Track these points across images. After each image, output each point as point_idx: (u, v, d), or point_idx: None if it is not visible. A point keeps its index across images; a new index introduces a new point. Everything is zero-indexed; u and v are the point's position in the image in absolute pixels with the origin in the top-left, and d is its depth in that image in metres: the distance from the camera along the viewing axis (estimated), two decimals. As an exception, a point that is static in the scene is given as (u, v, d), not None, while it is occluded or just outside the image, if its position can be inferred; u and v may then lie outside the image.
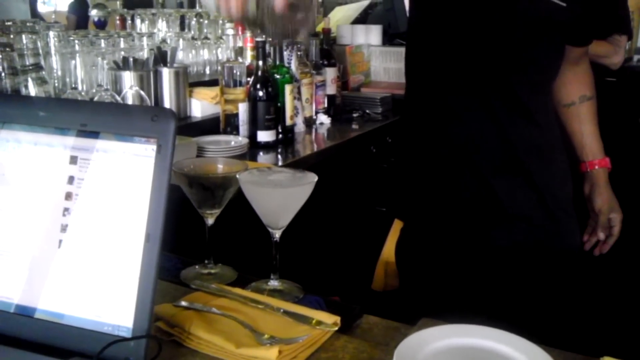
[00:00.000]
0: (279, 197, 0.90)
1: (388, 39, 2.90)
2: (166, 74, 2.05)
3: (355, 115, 2.48)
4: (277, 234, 0.92)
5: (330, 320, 0.82)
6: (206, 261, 0.99)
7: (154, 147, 0.71)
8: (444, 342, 0.71)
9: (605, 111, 1.53)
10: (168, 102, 2.05)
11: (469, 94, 1.23)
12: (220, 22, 2.51)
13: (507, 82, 1.23)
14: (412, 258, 1.42)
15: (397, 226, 1.49)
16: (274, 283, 0.94)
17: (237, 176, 0.90)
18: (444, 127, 1.27)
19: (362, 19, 3.05)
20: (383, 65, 2.84)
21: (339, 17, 3.10)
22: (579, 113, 1.44)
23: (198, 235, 0.98)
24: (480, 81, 1.22)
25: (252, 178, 0.92)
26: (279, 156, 2.02)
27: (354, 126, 2.41)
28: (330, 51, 2.51)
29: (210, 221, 0.97)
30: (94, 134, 0.75)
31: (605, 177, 1.47)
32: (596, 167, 1.45)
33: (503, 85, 1.23)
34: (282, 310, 0.84)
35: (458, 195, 1.29)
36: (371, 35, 2.85)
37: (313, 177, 0.89)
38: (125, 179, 0.72)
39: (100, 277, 0.72)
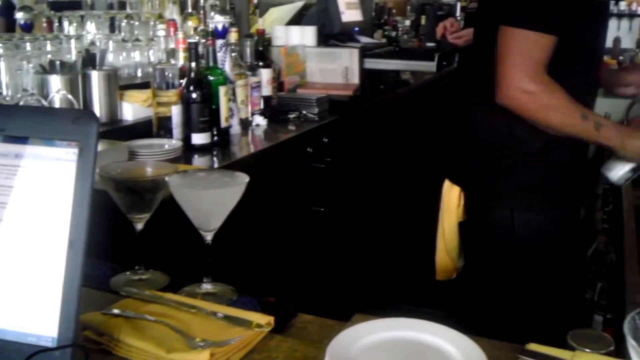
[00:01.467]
0: (210, 199, 0.89)
1: (323, 40, 2.91)
2: (95, 77, 2.00)
3: (291, 116, 2.48)
4: (208, 237, 0.91)
5: (263, 320, 0.82)
6: (137, 267, 0.97)
7: (76, 150, 0.69)
8: (374, 337, 0.72)
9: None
10: (98, 105, 2.00)
11: None
12: (152, 23, 2.46)
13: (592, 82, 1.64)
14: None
15: (451, 207, 1.77)
16: (207, 286, 0.93)
17: (167, 179, 0.89)
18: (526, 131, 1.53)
19: (297, 20, 3.05)
20: (319, 66, 2.85)
21: (274, 18, 3.10)
22: None
23: (128, 240, 0.96)
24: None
25: (182, 181, 0.91)
26: (215, 159, 2.00)
27: (291, 127, 2.41)
28: (265, 52, 2.50)
29: (139, 226, 0.95)
30: (14, 139, 0.72)
31: None
32: None
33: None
34: (215, 314, 0.84)
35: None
36: (306, 36, 2.85)
37: (244, 178, 0.89)
38: (47, 184, 0.70)
39: (23, 286, 0.70)
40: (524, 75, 1.41)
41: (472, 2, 3.01)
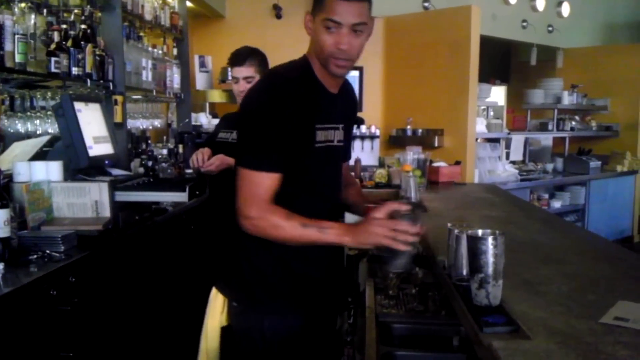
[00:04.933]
0: None
1: (70, 175, 2.84)
2: None
3: (33, 257, 2.34)
4: None
5: None
6: None
7: None
8: None
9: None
10: None
11: None
12: None
13: None
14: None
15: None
16: None
17: None
18: None
19: (43, 154, 2.95)
20: (66, 200, 2.76)
21: (17, 153, 2.96)
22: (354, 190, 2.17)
23: None
24: None
25: None
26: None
27: (32, 269, 2.26)
28: (1, 192, 2.36)
29: None
30: None
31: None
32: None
33: None
34: None
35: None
36: (51, 171, 2.76)
37: None
38: None
39: None
40: (246, 207, 1.72)
41: (222, 132, 3.19)
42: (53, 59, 2.93)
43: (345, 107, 1.95)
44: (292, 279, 1.86)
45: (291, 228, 1.69)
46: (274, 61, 1.87)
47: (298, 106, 1.71)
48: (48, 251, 2.38)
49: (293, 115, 1.70)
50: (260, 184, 1.70)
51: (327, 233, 1.70)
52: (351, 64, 1.76)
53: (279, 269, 1.84)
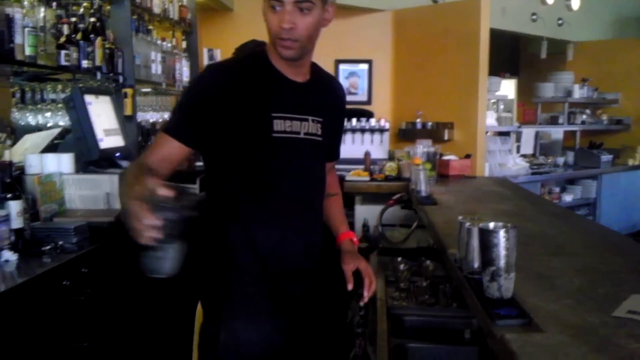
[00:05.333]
0: None
1: (82, 167, 2.85)
2: None
3: (46, 248, 2.35)
4: None
5: None
6: None
7: None
8: None
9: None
10: None
11: None
12: None
13: None
14: None
15: None
16: None
17: None
18: None
19: (54, 147, 2.97)
20: (78, 192, 2.77)
21: (28, 146, 2.98)
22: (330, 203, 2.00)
23: None
24: None
25: None
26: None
27: (45, 260, 2.28)
28: (13, 184, 2.38)
29: None
30: None
31: (350, 245, 1.96)
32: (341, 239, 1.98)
33: None
34: None
35: None
36: (63, 163, 2.78)
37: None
38: None
39: None
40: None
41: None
42: (63, 52, 2.93)
43: (321, 100, 1.83)
44: (253, 290, 1.73)
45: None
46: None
47: (240, 88, 1.65)
48: (61, 242, 2.40)
49: (230, 96, 1.64)
50: (158, 143, 1.69)
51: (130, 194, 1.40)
52: (299, 45, 1.64)
53: (239, 277, 1.72)
